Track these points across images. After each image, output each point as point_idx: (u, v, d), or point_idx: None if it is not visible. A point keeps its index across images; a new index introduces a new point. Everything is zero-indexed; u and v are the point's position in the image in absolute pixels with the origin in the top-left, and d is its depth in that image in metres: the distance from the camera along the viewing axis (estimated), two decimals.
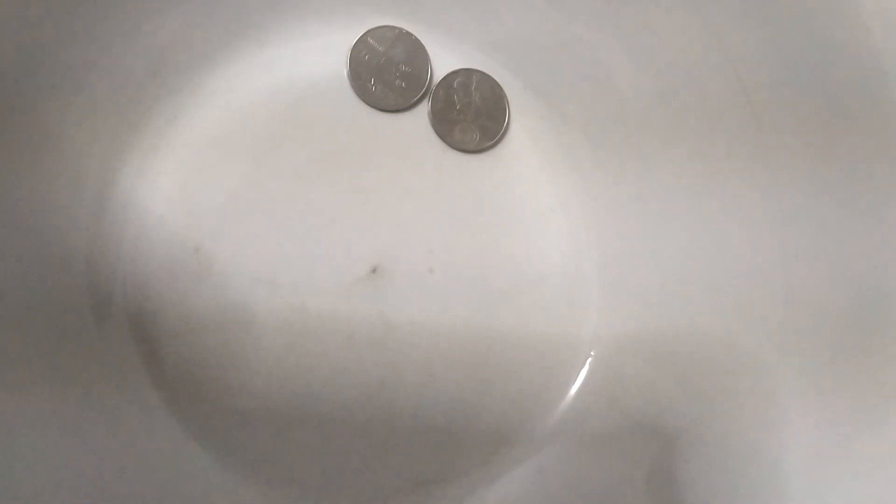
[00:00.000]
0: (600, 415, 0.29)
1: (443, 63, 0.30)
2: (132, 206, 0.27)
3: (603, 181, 0.30)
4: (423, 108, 0.30)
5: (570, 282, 0.30)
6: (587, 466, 0.28)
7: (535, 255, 0.30)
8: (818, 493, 0.24)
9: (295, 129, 0.29)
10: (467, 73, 0.30)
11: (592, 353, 0.29)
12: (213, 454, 0.27)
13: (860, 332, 0.24)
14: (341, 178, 0.29)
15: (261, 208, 0.28)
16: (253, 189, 0.28)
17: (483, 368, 0.29)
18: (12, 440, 0.23)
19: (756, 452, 0.26)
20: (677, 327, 0.28)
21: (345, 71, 0.29)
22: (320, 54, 0.29)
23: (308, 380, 0.28)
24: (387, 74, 0.29)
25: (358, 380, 0.28)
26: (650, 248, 0.29)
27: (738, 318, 0.27)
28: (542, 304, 0.29)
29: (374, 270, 0.28)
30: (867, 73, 0.23)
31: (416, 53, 0.29)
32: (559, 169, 0.30)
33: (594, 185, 0.30)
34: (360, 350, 0.28)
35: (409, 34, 0.29)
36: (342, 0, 0.29)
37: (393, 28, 0.29)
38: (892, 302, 0.24)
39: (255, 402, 0.28)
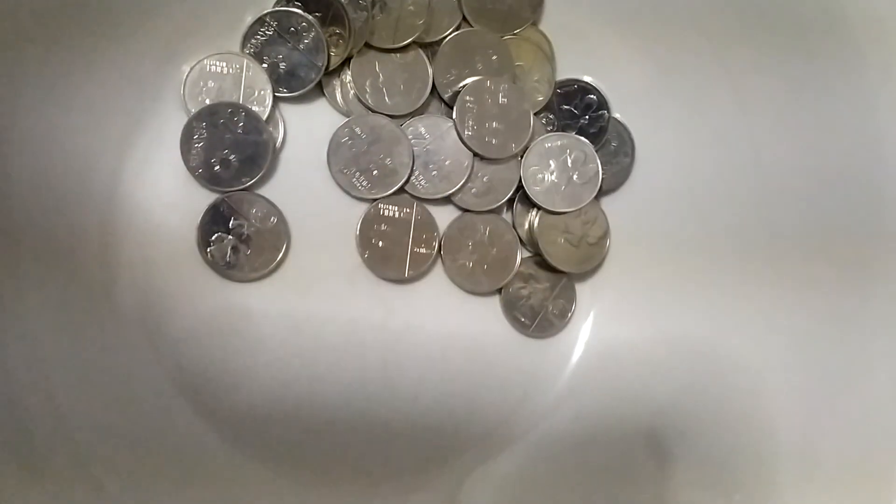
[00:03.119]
0: (595, 389, 0.30)
1: None
2: (139, 196, 0.28)
3: None
4: None
5: None
6: (584, 438, 0.29)
7: None
8: (808, 448, 0.25)
9: None
10: None
11: (588, 333, 0.30)
12: (220, 435, 0.27)
13: (834, 321, 0.26)
14: None
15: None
16: None
17: (481, 350, 0.30)
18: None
19: (747, 416, 0.27)
20: (668, 307, 0.30)
21: None
22: None
23: (311, 363, 0.28)
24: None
25: (360, 363, 0.29)
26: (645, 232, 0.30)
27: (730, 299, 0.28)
28: None
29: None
30: None
31: None
32: None
33: None
34: (362, 334, 0.29)
35: None
36: None
37: None
38: (866, 298, 0.26)
39: (259, 385, 0.28)
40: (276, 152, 0.28)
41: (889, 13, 0.24)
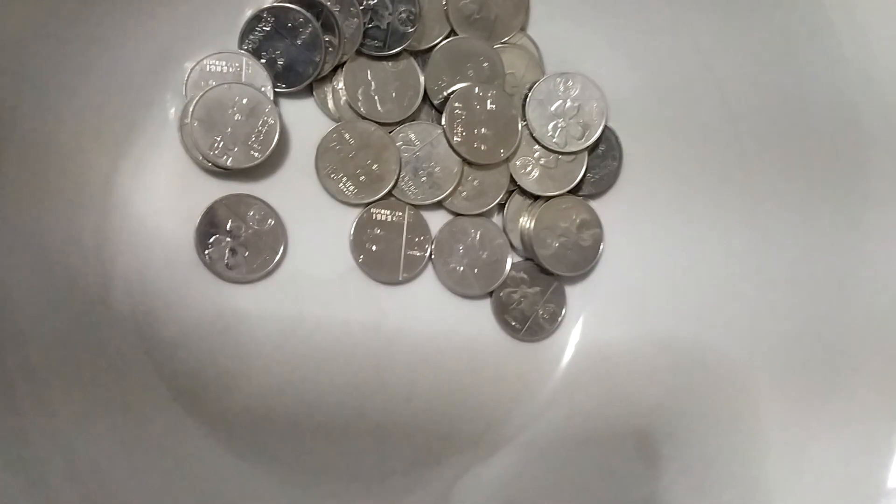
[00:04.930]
0: (585, 391, 0.30)
1: None
2: (133, 200, 0.28)
3: None
4: None
5: None
6: (574, 439, 0.29)
7: None
8: (797, 447, 0.26)
9: None
10: None
11: (578, 336, 0.30)
12: (213, 437, 0.28)
13: (822, 322, 0.26)
14: None
15: None
16: None
17: (472, 352, 0.30)
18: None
19: (735, 416, 0.27)
20: (657, 309, 0.30)
21: None
22: None
23: (304, 365, 0.29)
24: None
25: (353, 365, 0.29)
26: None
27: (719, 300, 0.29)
28: None
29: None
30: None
31: None
32: None
33: None
34: (355, 336, 0.29)
35: None
36: None
37: None
38: (853, 300, 0.26)
39: (254, 387, 0.28)
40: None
41: None
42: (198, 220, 0.28)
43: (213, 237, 0.28)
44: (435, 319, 0.30)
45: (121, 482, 0.25)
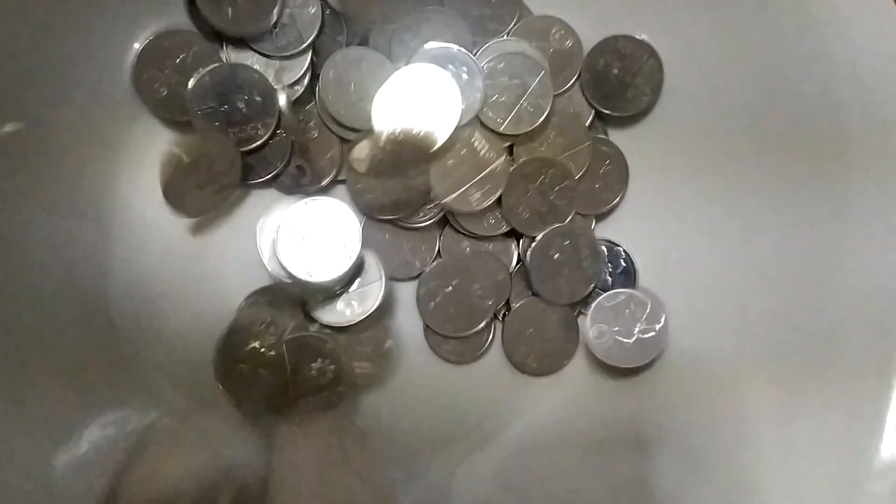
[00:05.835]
0: (581, 380, 0.31)
1: None
2: (132, 196, 0.28)
3: None
4: None
5: None
6: (571, 426, 0.30)
7: None
8: (784, 434, 0.26)
9: None
10: None
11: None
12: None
13: (807, 311, 0.27)
14: None
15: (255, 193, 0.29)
16: None
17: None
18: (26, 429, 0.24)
19: (725, 405, 0.28)
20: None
21: None
22: None
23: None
24: None
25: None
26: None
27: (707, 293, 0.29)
28: None
29: None
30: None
31: None
32: None
33: None
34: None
35: None
36: None
37: None
38: (837, 289, 0.26)
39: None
40: None
41: None
42: None
43: None
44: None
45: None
